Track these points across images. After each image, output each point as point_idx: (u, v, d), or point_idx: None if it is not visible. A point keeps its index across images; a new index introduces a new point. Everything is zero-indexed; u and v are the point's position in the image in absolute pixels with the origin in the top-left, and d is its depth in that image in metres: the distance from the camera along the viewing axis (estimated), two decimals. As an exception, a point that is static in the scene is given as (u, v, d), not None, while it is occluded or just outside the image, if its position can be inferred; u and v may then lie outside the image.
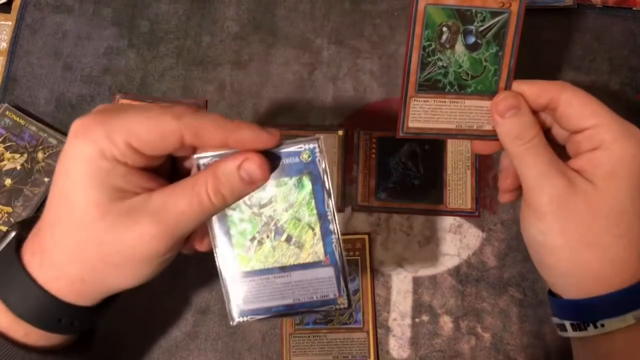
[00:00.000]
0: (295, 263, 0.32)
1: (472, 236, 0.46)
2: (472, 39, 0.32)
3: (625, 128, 0.31)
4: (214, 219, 0.31)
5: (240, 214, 0.31)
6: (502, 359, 0.44)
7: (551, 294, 0.35)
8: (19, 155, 0.47)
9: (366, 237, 0.46)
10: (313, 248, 0.31)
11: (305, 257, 0.32)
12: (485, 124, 0.34)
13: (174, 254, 0.30)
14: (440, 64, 0.32)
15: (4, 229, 0.45)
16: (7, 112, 0.47)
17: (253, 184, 0.29)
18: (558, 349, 0.43)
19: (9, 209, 0.45)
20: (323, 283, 0.32)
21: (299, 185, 0.31)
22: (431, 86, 0.33)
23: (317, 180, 0.30)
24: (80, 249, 0.28)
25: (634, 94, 0.48)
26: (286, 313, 0.32)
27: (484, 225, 0.46)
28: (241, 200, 0.31)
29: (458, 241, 0.46)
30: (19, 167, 0.46)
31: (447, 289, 0.45)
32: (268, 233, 0.31)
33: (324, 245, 0.31)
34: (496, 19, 0.31)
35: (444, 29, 0.31)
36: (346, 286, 0.32)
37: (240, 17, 0.51)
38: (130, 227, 0.28)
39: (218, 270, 0.32)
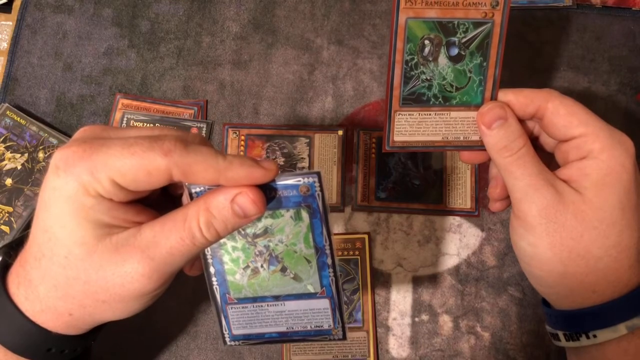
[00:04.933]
0: (290, 293, 0.31)
1: (472, 236, 0.46)
2: (455, 51, 0.31)
3: (614, 137, 0.30)
4: None
5: (233, 243, 0.30)
6: (502, 358, 0.44)
7: (545, 303, 0.34)
8: (19, 155, 0.47)
9: (366, 236, 0.46)
10: (309, 280, 0.31)
11: (300, 288, 0.31)
12: (472, 135, 0.33)
13: (165, 289, 0.29)
14: (423, 77, 0.32)
15: (5, 228, 0.45)
16: (7, 112, 0.47)
17: (246, 218, 0.28)
18: (557, 348, 0.44)
19: (10, 209, 0.46)
20: (318, 314, 0.31)
21: (296, 217, 0.29)
22: (415, 99, 0.32)
23: (315, 214, 0.29)
24: (67, 286, 0.27)
25: (634, 94, 0.48)
26: (279, 340, 0.32)
27: (483, 225, 0.46)
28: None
29: (458, 241, 0.46)
30: (19, 167, 0.46)
31: (447, 288, 0.45)
32: (263, 262, 0.31)
33: (320, 277, 0.31)
34: (479, 30, 0.31)
35: (426, 42, 0.31)
36: (341, 318, 0.31)
37: (240, 17, 0.51)
38: (118, 264, 0.26)
39: (210, 295, 0.31)
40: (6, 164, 0.47)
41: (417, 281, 0.45)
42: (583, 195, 0.30)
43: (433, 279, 0.45)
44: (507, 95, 0.32)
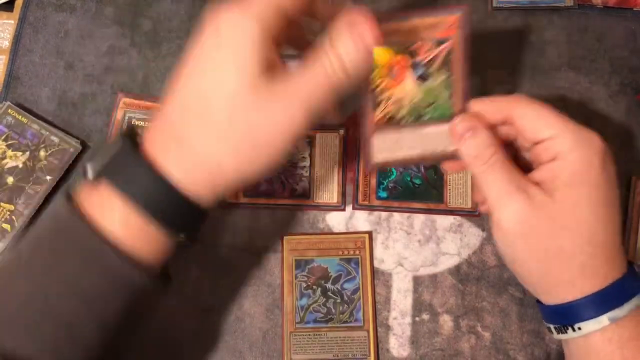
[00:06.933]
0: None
1: (473, 235, 0.46)
2: (420, 70, 0.33)
3: (582, 137, 0.32)
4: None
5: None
6: (502, 357, 0.44)
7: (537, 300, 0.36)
8: (20, 153, 0.47)
9: (367, 236, 0.46)
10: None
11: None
12: (449, 146, 0.35)
13: (305, 131, 0.31)
14: (394, 98, 0.34)
15: (7, 226, 0.45)
16: (9, 111, 0.47)
17: (369, 54, 0.30)
18: (557, 347, 0.44)
19: (11, 207, 0.46)
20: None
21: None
22: (389, 121, 0.34)
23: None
24: (227, 130, 0.29)
25: (634, 94, 0.48)
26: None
27: (484, 225, 0.46)
28: None
29: (458, 240, 0.46)
30: (20, 165, 0.46)
31: (447, 287, 0.45)
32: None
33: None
34: (441, 48, 0.33)
35: (392, 65, 0.33)
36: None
37: (241, 17, 0.51)
38: (275, 103, 0.29)
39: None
40: (7, 162, 0.47)
41: (418, 281, 0.45)
42: (553, 196, 0.31)
43: (433, 279, 0.45)
44: (477, 105, 0.34)
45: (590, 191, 0.31)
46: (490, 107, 0.33)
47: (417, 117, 0.34)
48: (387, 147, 0.35)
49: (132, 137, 0.31)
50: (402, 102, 0.34)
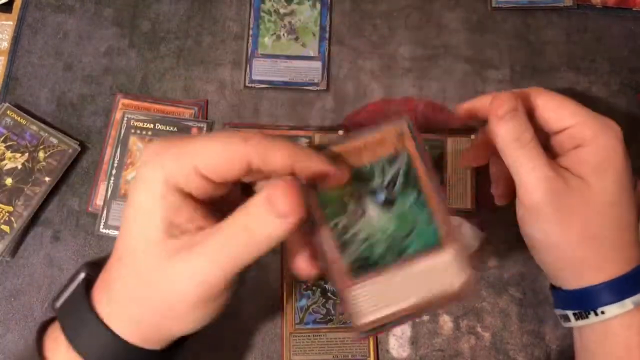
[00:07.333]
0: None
1: (472, 236, 0.46)
2: (382, 197, 0.28)
3: (603, 123, 0.33)
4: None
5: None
6: (502, 358, 0.44)
7: (553, 287, 0.36)
8: (19, 154, 0.47)
9: (366, 236, 0.46)
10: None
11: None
12: (450, 282, 0.28)
13: (230, 294, 0.28)
14: (361, 236, 0.28)
15: (5, 228, 0.45)
16: (8, 112, 0.47)
17: (285, 219, 0.25)
18: (557, 348, 0.44)
19: (10, 208, 0.46)
20: None
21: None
22: (364, 266, 0.28)
23: None
24: (137, 288, 0.27)
25: (634, 94, 0.48)
26: None
27: (484, 225, 0.46)
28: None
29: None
30: (19, 167, 0.46)
31: (447, 288, 0.45)
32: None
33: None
34: (397, 165, 0.28)
35: (345, 198, 0.28)
36: None
37: (240, 17, 0.51)
38: (181, 266, 0.26)
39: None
40: (6, 164, 0.47)
41: (418, 281, 0.45)
42: (585, 180, 0.32)
43: (433, 279, 0.45)
44: (503, 94, 0.33)
45: (617, 175, 0.32)
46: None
47: (399, 253, 0.28)
48: (372, 304, 0.27)
49: (93, 271, 0.30)
50: (374, 238, 0.28)
